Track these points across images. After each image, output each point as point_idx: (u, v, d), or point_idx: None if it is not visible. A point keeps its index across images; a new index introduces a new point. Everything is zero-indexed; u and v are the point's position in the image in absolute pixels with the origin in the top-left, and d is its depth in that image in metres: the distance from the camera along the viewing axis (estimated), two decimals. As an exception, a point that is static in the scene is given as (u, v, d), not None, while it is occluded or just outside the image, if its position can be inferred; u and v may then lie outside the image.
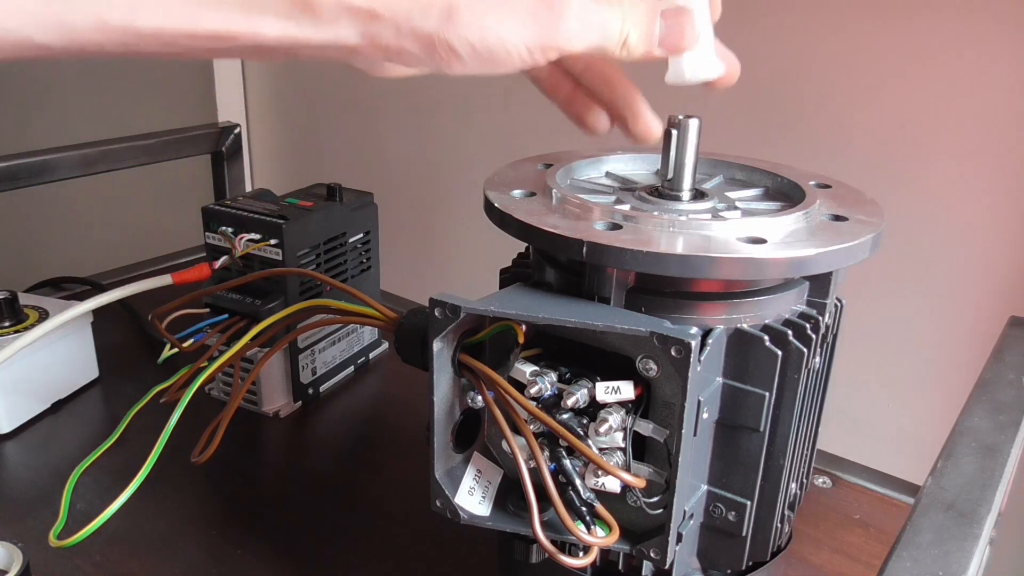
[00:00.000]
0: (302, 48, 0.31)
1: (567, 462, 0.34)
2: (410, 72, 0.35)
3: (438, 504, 0.37)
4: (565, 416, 0.34)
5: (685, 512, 0.36)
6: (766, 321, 0.37)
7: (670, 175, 0.39)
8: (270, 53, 0.31)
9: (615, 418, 0.33)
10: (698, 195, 0.40)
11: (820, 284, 0.39)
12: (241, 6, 0.29)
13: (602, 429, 0.33)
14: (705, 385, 0.35)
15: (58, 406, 0.64)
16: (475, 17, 0.30)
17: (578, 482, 0.34)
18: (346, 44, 0.30)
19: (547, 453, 0.34)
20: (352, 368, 0.71)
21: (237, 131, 1.02)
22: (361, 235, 0.68)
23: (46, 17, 0.28)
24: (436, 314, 0.34)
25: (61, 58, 0.30)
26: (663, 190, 0.40)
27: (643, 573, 0.39)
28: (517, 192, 0.40)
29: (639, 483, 0.33)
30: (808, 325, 0.37)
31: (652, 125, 0.39)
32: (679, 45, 0.34)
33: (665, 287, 0.36)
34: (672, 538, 0.34)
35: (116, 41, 0.29)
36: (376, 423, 0.66)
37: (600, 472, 0.33)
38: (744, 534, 0.38)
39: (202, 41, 0.30)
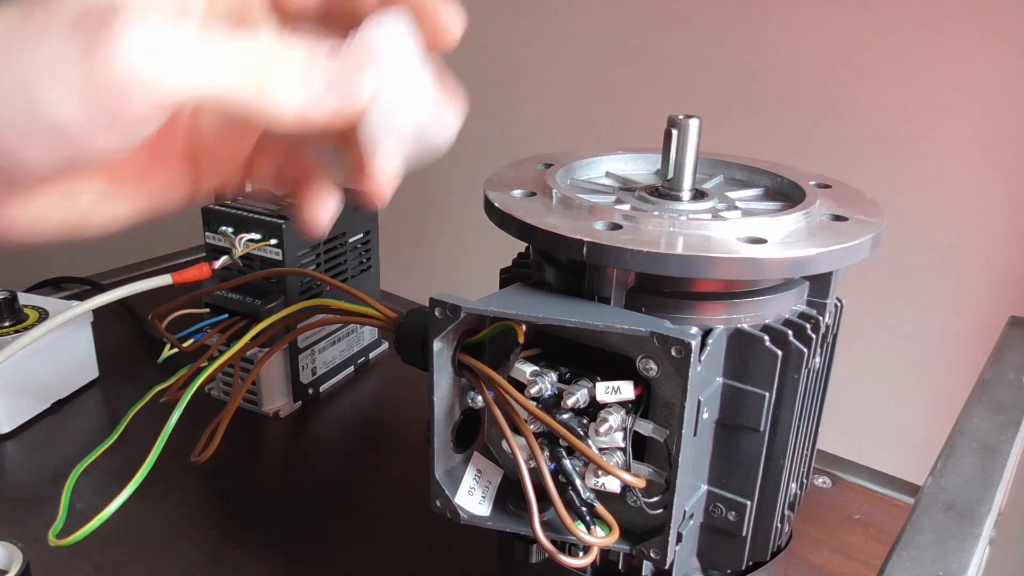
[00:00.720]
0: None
1: (567, 462, 0.34)
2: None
3: (438, 504, 0.37)
4: (565, 416, 0.34)
5: (685, 512, 0.36)
6: (766, 321, 0.37)
7: (670, 175, 0.39)
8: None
9: (615, 418, 0.33)
10: (698, 195, 0.40)
11: (820, 284, 0.39)
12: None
13: (602, 429, 0.33)
14: (705, 385, 0.35)
15: (58, 406, 0.64)
16: None
17: (578, 482, 0.34)
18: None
19: (547, 453, 0.34)
20: (352, 368, 0.71)
21: (237, 131, 1.01)
22: (361, 235, 0.68)
23: None
24: (436, 314, 0.34)
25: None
26: (663, 190, 0.40)
27: (643, 573, 0.39)
28: (517, 192, 0.40)
29: (639, 483, 0.33)
30: (808, 325, 0.37)
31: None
32: (353, 101, 0.24)
33: (665, 287, 0.36)
34: (672, 538, 0.34)
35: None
36: (376, 423, 0.66)
37: (600, 472, 0.33)
38: (744, 534, 0.38)
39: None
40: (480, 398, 0.35)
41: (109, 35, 0.20)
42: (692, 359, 0.31)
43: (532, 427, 0.34)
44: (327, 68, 0.23)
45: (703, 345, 0.33)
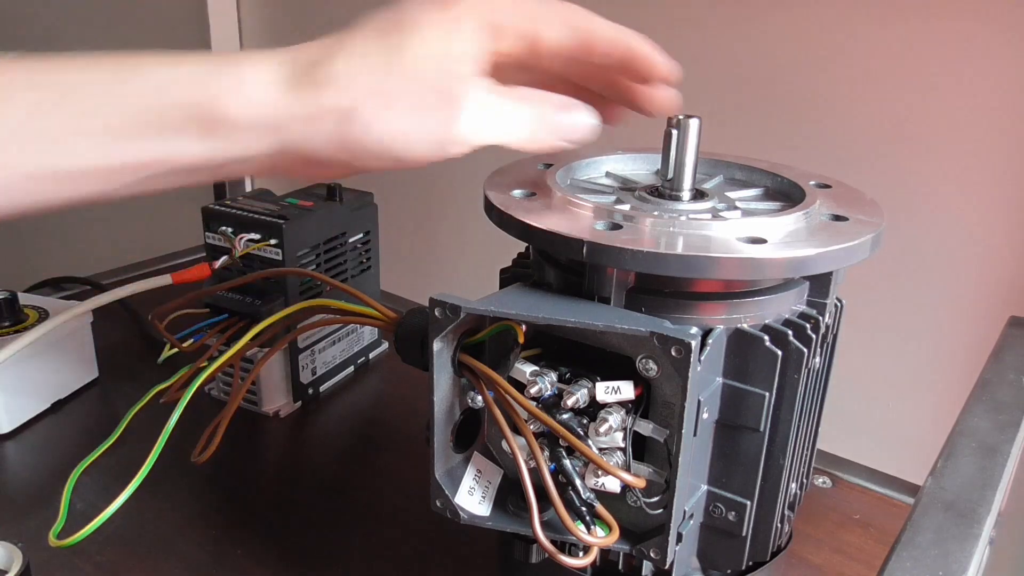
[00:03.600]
0: (220, 167, 0.32)
1: (567, 462, 0.34)
2: (338, 173, 0.35)
3: (438, 504, 0.37)
4: (565, 416, 0.34)
5: (685, 512, 0.36)
6: (766, 321, 0.37)
7: (670, 175, 0.39)
8: (192, 175, 0.32)
9: (615, 418, 0.33)
10: (698, 195, 0.40)
11: (820, 284, 0.39)
12: (151, 131, 0.30)
13: (602, 429, 0.33)
14: (705, 385, 0.35)
15: (58, 406, 0.64)
16: (374, 118, 0.31)
17: (578, 482, 0.34)
18: (260, 154, 0.32)
19: (547, 453, 0.34)
20: (352, 368, 0.71)
21: (237, 131, 1.01)
22: (361, 235, 0.68)
23: None
24: (436, 314, 0.34)
25: (7, 219, 0.31)
26: (663, 190, 0.40)
27: (643, 573, 0.39)
28: (517, 192, 0.40)
29: (639, 483, 0.33)
30: (808, 325, 0.37)
31: (663, 97, 0.38)
32: (584, 137, 0.35)
33: (665, 287, 0.36)
34: (672, 538, 0.34)
35: (45, 190, 0.31)
36: (376, 423, 0.66)
37: (600, 472, 0.33)
38: (744, 534, 0.38)
39: (127, 174, 0.31)
40: (480, 398, 0.35)
41: (453, 114, 0.32)
42: (692, 359, 0.31)
43: (532, 427, 0.34)
44: (562, 121, 0.35)
45: (703, 345, 0.33)
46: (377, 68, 0.31)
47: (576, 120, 0.35)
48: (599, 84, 0.39)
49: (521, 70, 0.36)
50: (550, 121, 0.34)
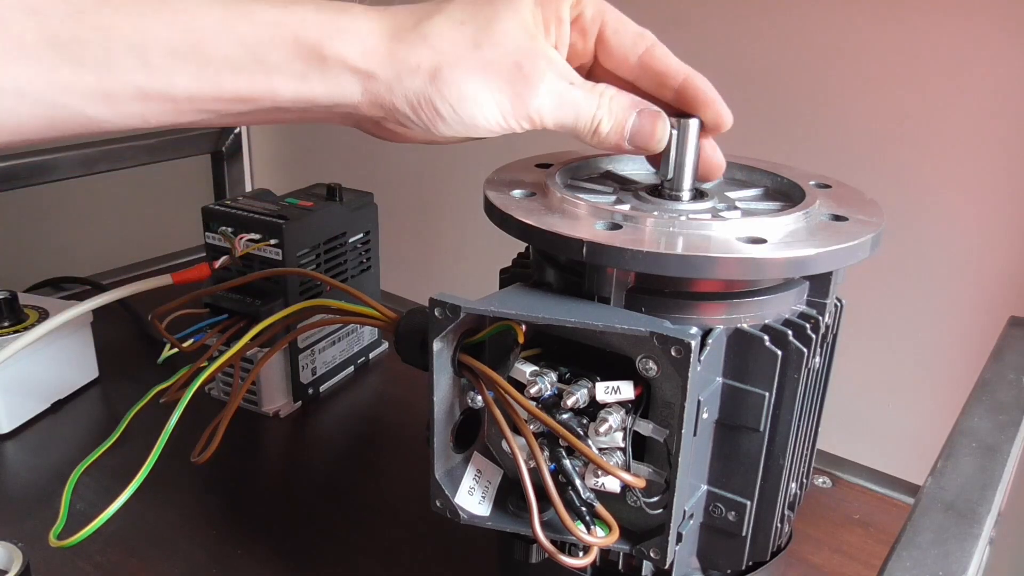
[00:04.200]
0: (313, 106, 0.34)
1: (567, 462, 0.34)
2: (409, 136, 0.38)
3: (438, 504, 0.37)
4: (565, 416, 0.34)
5: (685, 512, 0.36)
6: (766, 321, 0.37)
7: (670, 175, 0.39)
8: (286, 113, 0.35)
9: (615, 418, 0.33)
10: (698, 195, 0.40)
11: (820, 284, 0.39)
12: (259, 68, 0.33)
13: (602, 429, 0.33)
14: (705, 385, 0.35)
15: (58, 406, 0.64)
16: (456, 79, 0.33)
17: (578, 482, 0.34)
18: (350, 101, 0.34)
19: (547, 453, 0.34)
20: (352, 368, 0.71)
21: (237, 131, 1.02)
22: (361, 235, 0.68)
23: (95, 91, 0.32)
24: (436, 314, 0.34)
25: (110, 132, 0.34)
26: (663, 190, 0.40)
27: (643, 573, 0.39)
28: (517, 192, 0.40)
29: (639, 483, 0.33)
30: (808, 325, 0.37)
31: (724, 113, 0.39)
32: (647, 145, 0.37)
33: (665, 287, 0.36)
34: (672, 538, 0.34)
35: (155, 109, 0.33)
36: (376, 423, 0.66)
37: (600, 472, 0.33)
38: (744, 534, 0.38)
39: (228, 104, 0.34)
40: (480, 398, 0.35)
41: (531, 90, 0.34)
42: (692, 359, 0.31)
43: (532, 427, 0.34)
44: (635, 124, 0.36)
45: (703, 345, 0.33)
46: (469, 36, 0.33)
47: (648, 125, 0.36)
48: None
49: (608, 79, 0.38)
50: (620, 119, 0.36)
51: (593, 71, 0.39)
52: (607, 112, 0.35)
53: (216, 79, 0.33)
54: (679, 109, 0.38)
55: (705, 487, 0.38)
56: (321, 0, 0.34)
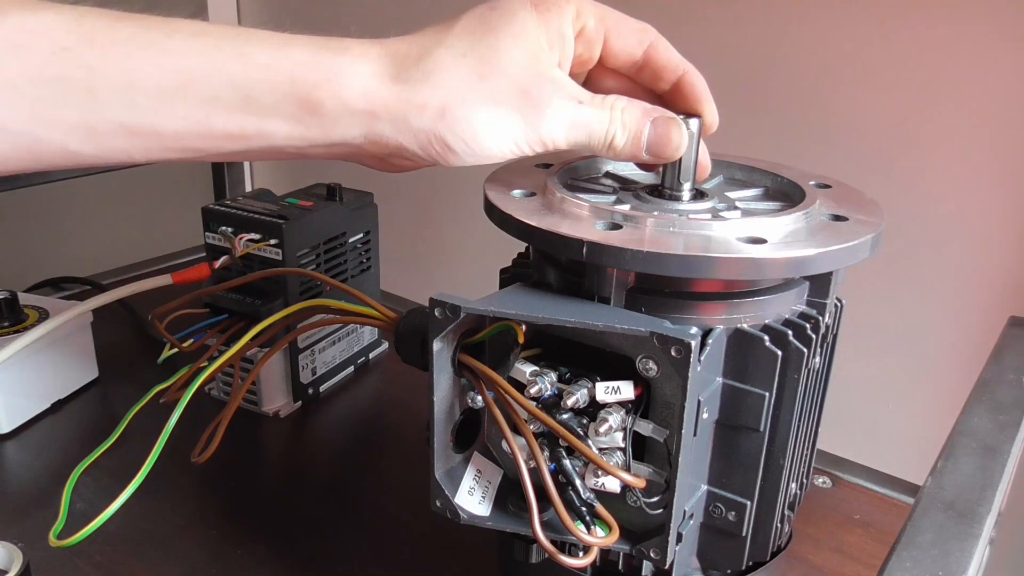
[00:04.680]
0: (311, 148, 0.34)
1: (567, 462, 0.34)
2: (415, 167, 0.37)
3: (438, 504, 0.37)
4: (565, 416, 0.34)
5: (685, 512, 0.36)
6: (766, 321, 0.37)
7: (678, 177, 0.39)
8: (281, 153, 0.35)
9: (615, 418, 0.33)
10: (698, 195, 0.40)
11: (820, 284, 0.39)
12: (251, 109, 0.32)
13: (602, 429, 0.33)
14: (705, 385, 0.35)
15: (58, 406, 0.64)
16: (466, 115, 0.33)
17: (578, 482, 0.34)
18: (351, 142, 0.34)
19: (547, 453, 0.34)
20: (352, 368, 0.71)
21: (237, 131, 1.01)
22: (361, 235, 0.68)
23: (77, 125, 0.32)
24: (436, 314, 0.34)
25: (92, 166, 0.34)
26: (663, 190, 0.40)
27: (643, 573, 0.39)
28: (517, 192, 0.40)
29: (639, 483, 0.33)
30: (808, 325, 0.37)
31: (715, 113, 0.39)
32: (665, 154, 0.37)
33: (665, 287, 0.36)
34: (672, 538, 0.34)
35: (140, 146, 0.33)
36: (376, 423, 0.66)
37: (600, 472, 0.33)
38: (744, 534, 0.38)
39: (218, 142, 0.33)
40: (480, 398, 0.35)
41: (540, 115, 0.34)
42: (692, 359, 0.31)
43: (532, 427, 0.34)
44: (651, 134, 0.36)
45: (703, 345, 0.33)
46: (473, 68, 0.33)
47: (664, 133, 0.36)
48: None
49: (608, 76, 0.38)
50: (635, 131, 0.36)
51: (593, 71, 0.39)
52: (620, 126, 0.35)
53: (206, 119, 0.32)
54: (673, 104, 0.39)
55: (705, 487, 0.38)
56: (317, 39, 0.33)
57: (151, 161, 0.34)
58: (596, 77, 0.39)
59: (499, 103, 0.33)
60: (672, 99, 0.39)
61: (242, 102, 0.32)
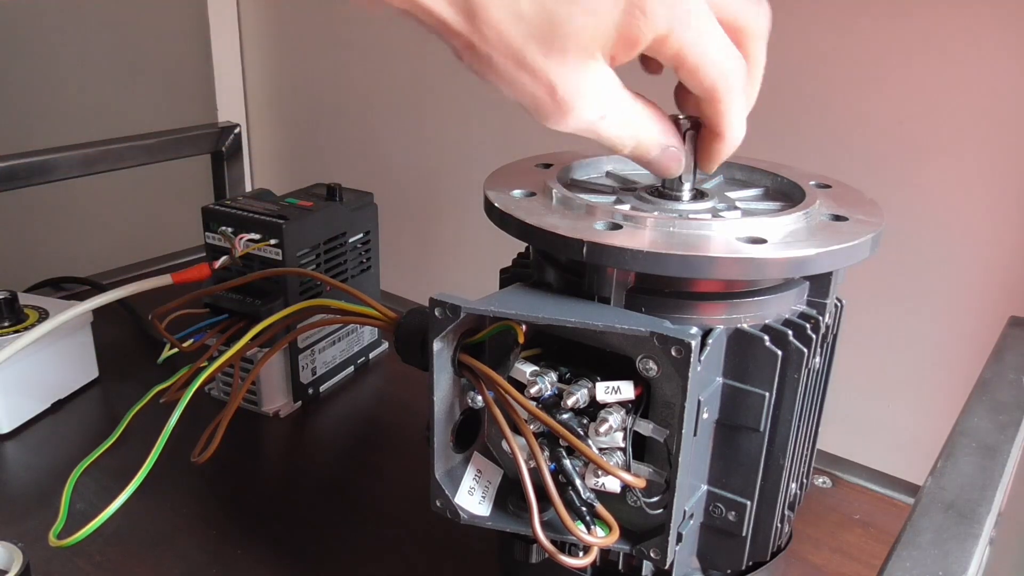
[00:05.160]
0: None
1: (567, 462, 0.34)
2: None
3: (438, 504, 0.37)
4: (565, 416, 0.34)
5: (685, 512, 0.36)
6: (766, 321, 0.37)
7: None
8: None
9: (615, 418, 0.33)
10: (698, 195, 0.40)
11: (820, 284, 0.39)
12: None
13: (602, 429, 0.33)
14: (705, 385, 0.35)
15: (58, 406, 0.64)
16: (487, 68, 0.32)
17: (578, 482, 0.34)
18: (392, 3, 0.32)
19: (547, 453, 0.34)
20: (352, 368, 0.71)
21: (237, 131, 1.02)
22: (361, 235, 0.68)
23: None
24: (436, 314, 0.34)
25: None
26: (663, 190, 0.40)
27: (643, 573, 0.39)
28: (517, 192, 0.40)
29: (639, 483, 0.33)
30: (808, 325, 0.37)
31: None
32: (661, 175, 0.38)
33: (665, 287, 0.36)
34: (672, 538, 0.34)
35: None
36: (376, 423, 0.66)
37: (600, 472, 0.33)
38: (744, 534, 0.38)
39: None
40: (480, 398, 0.35)
41: (559, 118, 0.33)
42: (692, 359, 0.31)
43: (532, 427, 0.34)
44: (658, 159, 0.36)
45: (703, 345, 0.33)
46: (522, 40, 0.31)
47: (667, 164, 0.36)
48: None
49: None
50: (644, 149, 0.35)
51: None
52: (629, 141, 0.35)
53: None
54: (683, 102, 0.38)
55: (705, 487, 0.38)
56: None
57: None
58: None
59: (523, 78, 0.32)
60: (699, 109, 0.37)
61: None
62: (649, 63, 0.36)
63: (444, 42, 0.33)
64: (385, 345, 0.75)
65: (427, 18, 0.32)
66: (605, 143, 0.35)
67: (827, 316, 0.39)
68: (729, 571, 0.40)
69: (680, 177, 0.39)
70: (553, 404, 0.34)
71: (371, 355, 0.73)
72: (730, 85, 0.34)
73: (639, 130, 0.35)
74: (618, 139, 0.35)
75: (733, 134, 0.36)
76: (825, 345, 0.41)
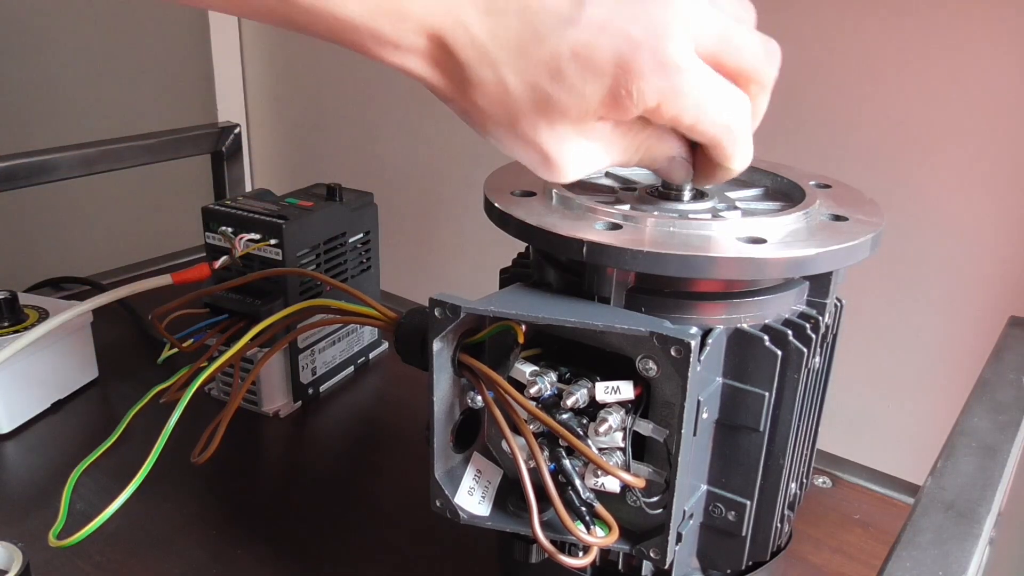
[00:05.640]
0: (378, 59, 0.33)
1: (567, 462, 0.34)
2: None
3: (438, 504, 0.37)
4: (565, 416, 0.34)
5: (685, 512, 0.36)
6: (766, 321, 0.37)
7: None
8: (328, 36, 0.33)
9: (615, 418, 0.33)
10: (698, 195, 0.40)
11: (820, 284, 0.39)
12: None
13: (602, 429, 0.33)
14: (705, 385, 0.35)
15: (58, 406, 0.64)
16: (483, 131, 0.34)
17: (578, 482, 0.34)
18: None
19: (547, 453, 0.34)
20: (352, 368, 0.71)
21: (237, 131, 1.02)
22: (361, 235, 0.68)
23: None
24: (436, 314, 0.34)
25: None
26: (663, 190, 0.40)
27: (643, 573, 0.39)
28: (517, 192, 0.40)
29: (639, 483, 0.33)
30: (808, 325, 0.37)
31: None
32: (674, 181, 0.38)
33: (665, 287, 0.36)
34: (672, 538, 0.34)
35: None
36: (376, 423, 0.66)
37: (600, 472, 0.33)
38: (744, 534, 0.38)
39: (275, 8, 0.31)
40: (480, 398, 0.35)
41: (558, 176, 0.34)
42: (692, 359, 0.31)
43: (532, 427, 0.34)
44: (667, 168, 0.36)
45: (703, 345, 0.33)
46: (513, 114, 0.32)
47: (675, 172, 0.36)
48: None
49: None
50: (651, 160, 0.36)
51: None
52: (637, 159, 0.35)
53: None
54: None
55: (705, 487, 0.38)
56: None
57: (217, 9, 0.33)
58: None
59: (518, 148, 0.33)
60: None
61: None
62: None
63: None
64: (385, 345, 0.75)
65: (422, 83, 0.33)
66: (613, 160, 0.35)
67: (827, 316, 0.39)
68: (729, 571, 0.40)
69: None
70: (553, 404, 0.34)
71: (371, 355, 0.73)
72: (733, 136, 0.34)
73: (644, 153, 0.35)
74: (622, 166, 0.36)
75: (736, 166, 0.36)
76: (825, 345, 0.41)
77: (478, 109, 0.32)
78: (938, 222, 0.66)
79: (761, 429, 0.36)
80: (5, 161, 0.81)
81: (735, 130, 0.34)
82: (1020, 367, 0.50)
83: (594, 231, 0.35)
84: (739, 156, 0.35)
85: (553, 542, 0.33)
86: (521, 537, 0.38)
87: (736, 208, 0.40)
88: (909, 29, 0.64)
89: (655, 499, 0.34)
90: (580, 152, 0.33)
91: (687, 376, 0.31)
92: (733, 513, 0.38)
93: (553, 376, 0.34)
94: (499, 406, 0.34)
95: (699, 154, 0.36)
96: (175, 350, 0.60)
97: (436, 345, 0.35)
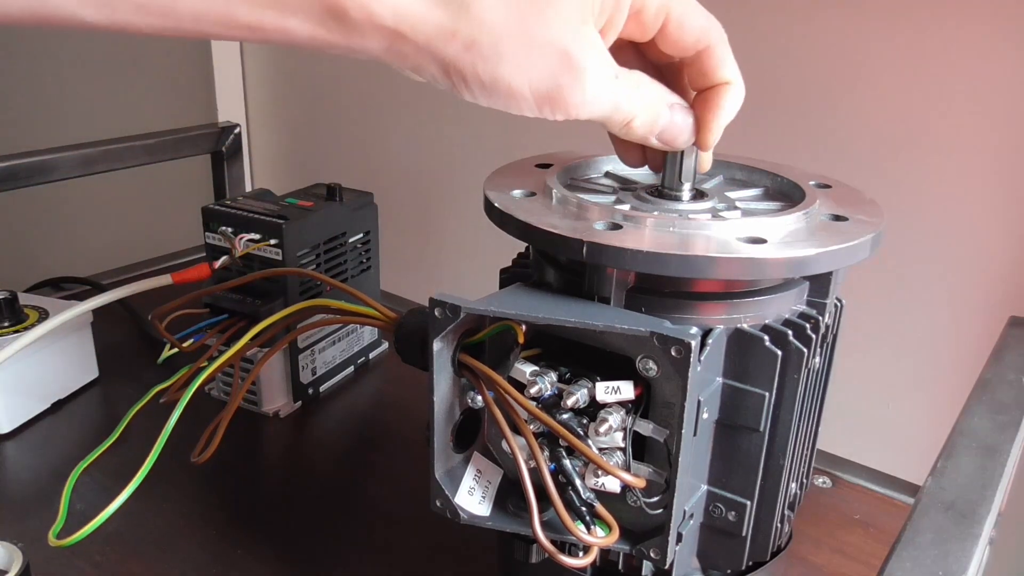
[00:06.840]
0: (329, 48, 0.32)
1: (567, 462, 0.34)
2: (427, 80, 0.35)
3: (438, 504, 0.37)
4: (565, 416, 0.34)
5: (685, 512, 0.36)
6: (766, 321, 0.37)
7: (677, 177, 0.39)
8: (299, 47, 0.33)
9: (615, 418, 0.33)
10: (698, 195, 0.40)
11: (820, 284, 0.39)
12: (275, 4, 0.31)
13: (602, 429, 0.33)
14: (705, 385, 0.35)
15: (58, 406, 0.64)
16: (491, 58, 0.31)
17: (578, 482, 0.34)
18: (370, 53, 0.32)
19: (547, 453, 0.34)
20: (352, 368, 0.71)
21: (237, 131, 1.02)
22: (361, 235, 0.68)
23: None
24: (436, 314, 0.34)
25: (103, 31, 0.32)
26: (663, 190, 0.40)
27: (643, 573, 0.39)
28: (517, 192, 0.40)
29: (639, 483, 0.33)
30: (808, 325, 0.37)
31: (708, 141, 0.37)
32: (675, 143, 0.37)
33: (665, 287, 0.36)
34: (672, 538, 0.34)
35: (154, 24, 0.31)
36: (376, 423, 0.66)
37: (600, 472, 0.33)
38: (744, 534, 0.38)
39: (235, 31, 0.31)
40: (480, 398, 0.35)
41: (573, 80, 0.32)
42: (692, 359, 0.31)
43: (532, 427, 0.34)
44: (666, 122, 0.35)
45: (703, 345, 0.33)
46: (519, 14, 0.31)
47: (680, 123, 0.36)
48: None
49: (626, 48, 0.36)
50: (653, 116, 0.35)
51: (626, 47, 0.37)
52: (641, 108, 0.34)
53: (227, 7, 0.30)
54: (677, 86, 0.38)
55: (705, 487, 0.38)
56: None
57: (157, 35, 0.32)
58: (624, 51, 0.37)
59: (534, 57, 0.31)
60: (679, 86, 0.37)
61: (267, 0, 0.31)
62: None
63: (443, 83, 0.32)
64: (385, 345, 0.75)
65: (418, 36, 0.31)
66: (617, 114, 0.34)
67: (827, 316, 0.39)
68: (729, 571, 0.40)
69: (680, 177, 0.39)
70: (553, 404, 0.34)
71: (371, 355, 0.73)
72: (720, 33, 0.35)
73: (646, 90, 0.35)
74: (627, 102, 0.34)
75: (738, 76, 0.36)
76: (825, 345, 0.41)
77: (481, 27, 0.31)
78: (938, 222, 0.66)
79: (761, 429, 0.36)
80: (5, 161, 0.81)
81: (720, 32, 0.35)
82: (1020, 367, 0.50)
83: (594, 231, 0.35)
84: (732, 61, 0.35)
85: (553, 542, 0.33)
86: (521, 537, 0.38)
87: (736, 208, 0.40)
88: (910, 29, 0.64)
89: (655, 499, 0.34)
90: (595, 43, 0.32)
91: (687, 376, 0.31)
92: (733, 513, 0.38)
93: (553, 376, 0.34)
94: (499, 406, 0.34)
95: (697, 100, 0.36)
96: (175, 350, 0.60)
97: (436, 345, 0.35)
